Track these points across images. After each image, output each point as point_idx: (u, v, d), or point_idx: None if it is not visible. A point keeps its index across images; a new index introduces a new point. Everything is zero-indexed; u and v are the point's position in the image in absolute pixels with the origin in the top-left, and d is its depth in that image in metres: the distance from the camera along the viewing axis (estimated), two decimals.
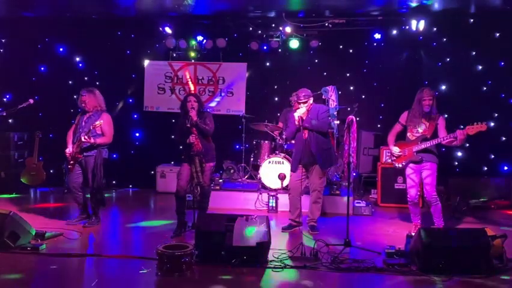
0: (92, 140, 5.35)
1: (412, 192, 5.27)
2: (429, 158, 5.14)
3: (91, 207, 5.67)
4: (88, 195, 5.66)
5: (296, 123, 5.34)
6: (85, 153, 5.49)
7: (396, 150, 5.29)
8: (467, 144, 7.75)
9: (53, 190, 7.84)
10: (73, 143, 5.52)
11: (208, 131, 5.32)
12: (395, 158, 5.34)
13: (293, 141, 5.79)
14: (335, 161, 5.84)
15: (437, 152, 5.24)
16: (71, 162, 5.48)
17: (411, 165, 5.22)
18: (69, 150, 5.50)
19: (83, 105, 5.58)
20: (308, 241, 4.91)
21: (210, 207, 5.58)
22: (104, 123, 5.49)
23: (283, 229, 5.51)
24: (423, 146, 5.10)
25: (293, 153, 5.63)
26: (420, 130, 5.19)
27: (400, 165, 5.31)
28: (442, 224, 5.22)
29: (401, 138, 5.44)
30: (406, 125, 5.32)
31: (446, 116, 6.81)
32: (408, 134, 5.31)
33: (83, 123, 5.53)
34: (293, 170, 5.51)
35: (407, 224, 5.77)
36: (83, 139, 5.32)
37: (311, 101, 5.39)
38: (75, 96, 8.61)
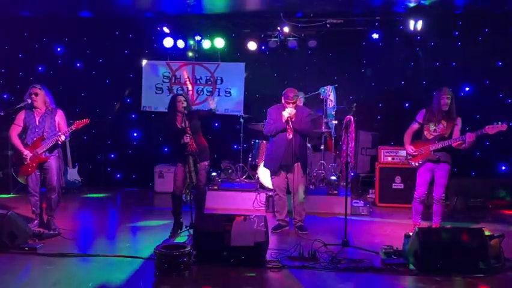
0: (63, 139, 5.22)
1: (421, 190, 5.26)
2: (446, 158, 5.11)
3: (47, 210, 5.35)
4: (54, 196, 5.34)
5: (284, 121, 5.24)
6: (48, 154, 5.25)
7: (412, 149, 5.27)
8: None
9: None
10: (26, 145, 5.20)
11: (209, 113, 5.41)
12: (411, 157, 5.31)
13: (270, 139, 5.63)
14: (307, 168, 5.78)
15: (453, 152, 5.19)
16: (33, 165, 5.20)
17: (427, 164, 5.20)
18: (28, 153, 5.15)
19: (33, 97, 5.18)
20: (306, 241, 4.90)
21: (208, 207, 5.58)
22: (62, 120, 5.36)
23: (273, 230, 5.40)
24: (440, 145, 5.07)
25: (271, 152, 5.46)
26: (437, 129, 5.16)
27: (416, 164, 5.27)
28: (439, 224, 5.24)
29: (416, 137, 5.39)
30: (423, 123, 5.27)
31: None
32: (425, 133, 5.26)
33: (37, 123, 5.25)
34: (273, 171, 5.42)
35: (405, 223, 5.78)
36: (63, 138, 5.18)
37: (299, 101, 5.36)
38: (73, 96, 8.67)
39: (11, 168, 5.37)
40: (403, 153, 6.06)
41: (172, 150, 5.47)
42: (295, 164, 5.31)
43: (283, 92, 5.37)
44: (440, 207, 5.21)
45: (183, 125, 5.15)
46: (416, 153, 5.24)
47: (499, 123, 4.82)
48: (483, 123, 4.90)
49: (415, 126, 5.34)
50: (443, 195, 5.18)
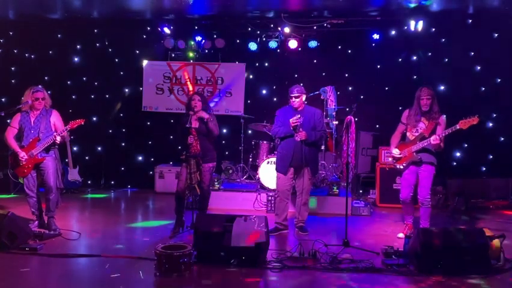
0: (59, 140, 5.21)
1: (404, 193, 5.23)
2: (428, 159, 5.07)
3: (47, 211, 5.34)
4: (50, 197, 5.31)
5: (291, 128, 5.21)
6: (44, 155, 5.23)
7: (396, 152, 5.25)
8: (466, 145, 7.77)
9: None
10: (22, 147, 5.19)
11: (213, 132, 5.29)
12: (395, 160, 5.30)
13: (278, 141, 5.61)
14: (318, 169, 5.75)
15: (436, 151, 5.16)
16: (29, 166, 5.19)
17: (410, 167, 5.16)
18: (24, 155, 5.13)
19: (38, 101, 5.20)
20: (306, 241, 4.90)
21: (209, 208, 5.57)
22: (58, 120, 5.35)
23: (270, 232, 5.28)
24: (421, 145, 5.03)
25: (281, 154, 5.43)
26: (419, 129, 5.12)
27: (401, 167, 5.25)
28: (428, 226, 5.19)
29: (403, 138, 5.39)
30: (407, 124, 5.25)
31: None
32: (407, 134, 5.25)
33: (33, 124, 5.24)
34: (283, 172, 5.37)
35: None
36: (59, 139, 5.18)
37: (304, 98, 5.35)
38: (73, 97, 8.69)
39: (9, 170, 5.35)
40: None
41: (178, 150, 5.44)
42: (305, 168, 5.31)
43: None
44: (426, 209, 5.12)
45: (188, 125, 5.13)
46: (400, 156, 5.22)
47: (471, 117, 4.77)
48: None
49: (401, 127, 5.33)
50: (428, 197, 5.10)
